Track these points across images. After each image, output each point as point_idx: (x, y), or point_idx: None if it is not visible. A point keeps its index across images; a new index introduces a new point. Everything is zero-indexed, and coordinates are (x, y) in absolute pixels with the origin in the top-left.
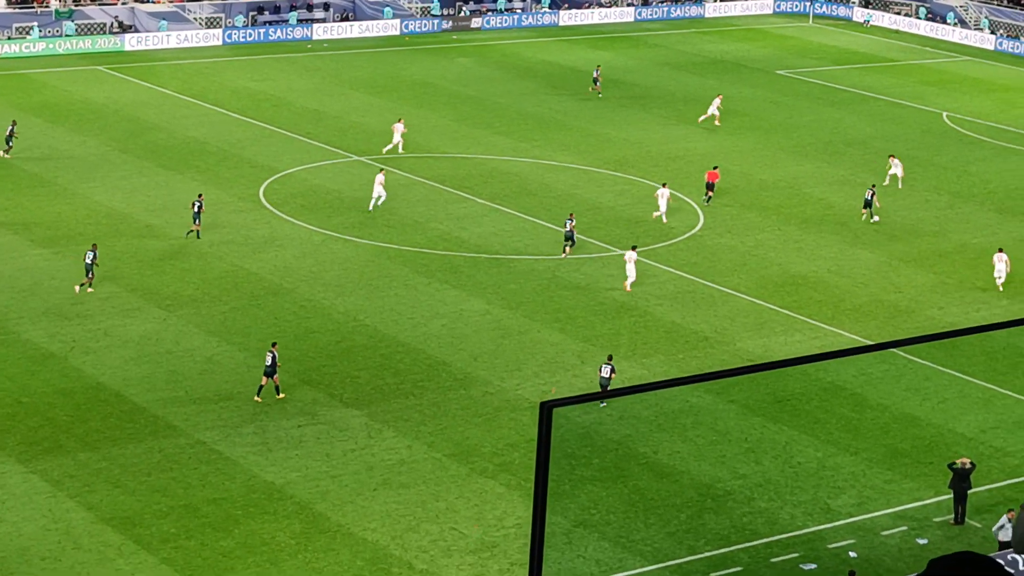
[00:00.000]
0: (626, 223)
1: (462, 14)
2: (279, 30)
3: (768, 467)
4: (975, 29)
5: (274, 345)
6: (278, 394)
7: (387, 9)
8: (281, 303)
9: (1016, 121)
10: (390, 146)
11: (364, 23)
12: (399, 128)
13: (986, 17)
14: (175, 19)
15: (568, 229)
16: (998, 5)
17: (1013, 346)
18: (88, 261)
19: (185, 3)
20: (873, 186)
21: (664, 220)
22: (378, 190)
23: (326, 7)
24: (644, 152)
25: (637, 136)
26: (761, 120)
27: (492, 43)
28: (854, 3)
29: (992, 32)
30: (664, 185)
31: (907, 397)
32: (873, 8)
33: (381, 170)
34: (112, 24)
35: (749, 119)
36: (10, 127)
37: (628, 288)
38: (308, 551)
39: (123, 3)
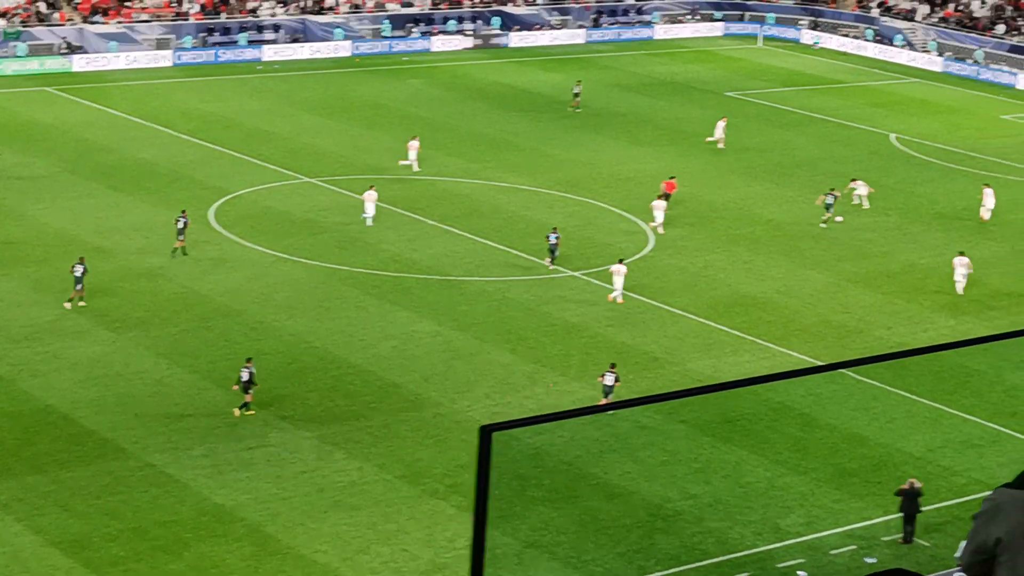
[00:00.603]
0: (576, 244)
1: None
2: (229, 51)
3: (718, 487)
4: (922, 51)
5: (249, 361)
6: (238, 409)
7: (338, 30)
8: (231, 325)
9: (963, 142)
10: (409, 163)
11: (314, 44)
12: (414, 145)
13: (933, 39)
14: (125, 40)
15: (552, 243)
16: (945, 27)
17: (960, 366)
18: (78, 275)
19: (135, 24)
20: (832, 189)
21: (660, 231)
22: (369, 208)
23: (276, 28)
24: (594, 173)
25: (587, 157)
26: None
27: (442, 64)
28: (803, 25)
29: (939, 54)
30: (660, 198)
31: (855, 417)
32: (821, 31)
33: (371, 186)
34: (61, 45)
35: (699, 140)
36: None
37: (616, 299)
38: (259, 573)
39: (72, 24)
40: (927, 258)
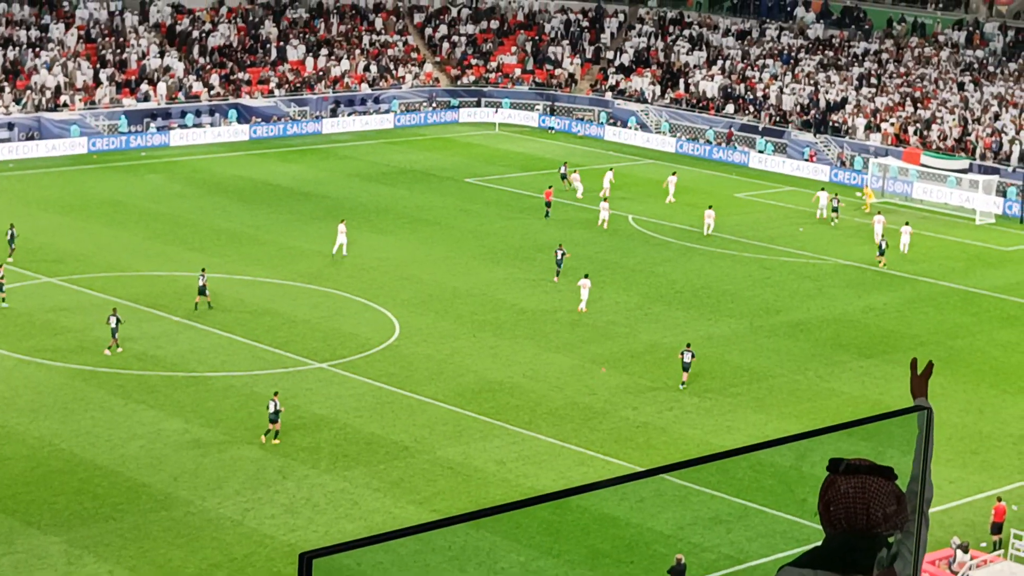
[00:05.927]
0: (323, 335)
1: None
2: None
3: (472, 574)
4: (656, 132)
5: (276, 394)
6: (275, 438)
7: (74, 127)
8: None
9: (698, 221)
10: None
11: (50, 142)
12: (342, 229)
13: (666, 121)
14: None
15: (559, 258)
16: (678, 108)
17: (704, 443)
18: (112, 326)
19: None
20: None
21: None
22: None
23: (10, 127)
24: (337, 264)
25: (329, 248)
26: (452, 228)
27: (181, 159)
28: (538, 110)
29: (673, 135)
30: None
31: (605, 497)
32: (557, 115)
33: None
34: None
35: (440, 228)
36: (10, 231)
37: (582, 309)
38: None
39: None
40: (669, 337)
